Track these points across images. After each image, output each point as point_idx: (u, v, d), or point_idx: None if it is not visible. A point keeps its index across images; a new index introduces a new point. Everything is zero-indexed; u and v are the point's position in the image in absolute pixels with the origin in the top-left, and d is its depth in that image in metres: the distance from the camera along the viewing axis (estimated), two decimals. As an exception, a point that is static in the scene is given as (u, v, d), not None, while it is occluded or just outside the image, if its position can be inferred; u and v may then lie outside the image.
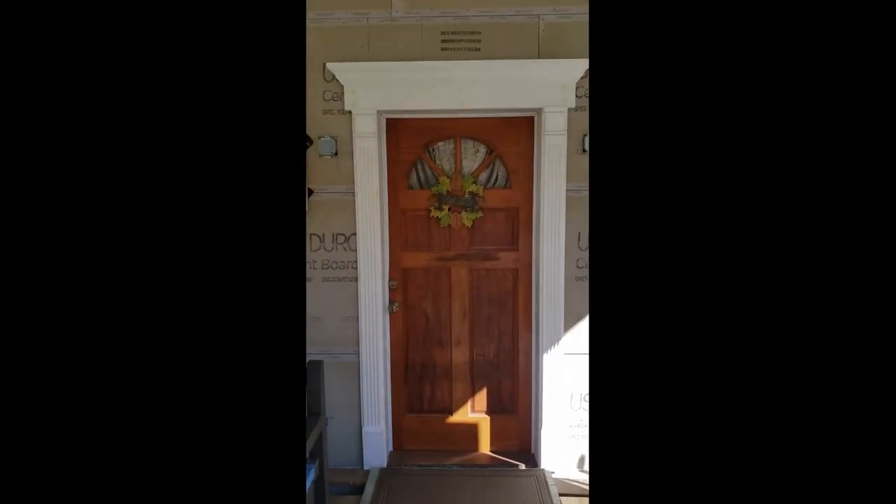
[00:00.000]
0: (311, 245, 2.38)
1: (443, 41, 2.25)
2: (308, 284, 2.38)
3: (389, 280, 2.47)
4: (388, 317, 2.48)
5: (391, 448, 2.56)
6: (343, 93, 2.26)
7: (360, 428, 2.43)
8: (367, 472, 2.40)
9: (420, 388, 2.57)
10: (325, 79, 2.27)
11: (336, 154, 2.30)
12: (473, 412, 2.57)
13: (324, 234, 2.37)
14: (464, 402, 2.56)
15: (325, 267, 2.39)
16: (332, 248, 2.38)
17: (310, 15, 2.22)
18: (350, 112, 2.28)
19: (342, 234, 2.36)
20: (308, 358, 2.24)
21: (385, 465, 2.44)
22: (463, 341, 2.53)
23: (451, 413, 2.57)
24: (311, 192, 2.33)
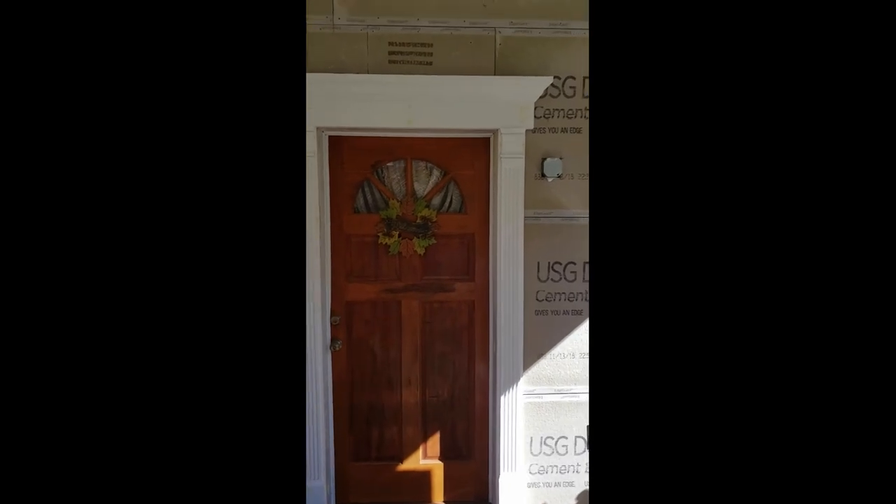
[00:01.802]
0: (242, 276, 2.10)
1: (390, 53, 2.04)
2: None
3: (331, 315, 2.22)
4: (329, 356, 2.22)
5: (334, 502, 2.28)
6: (278, 106, 2.01)
7: (297, 483, 2.15)
8: (305, 533, 2.12)
9: (367, 433, 2.31)
10: (258, 90, 2.02)
11: (270, 174, 2.05)
12: (426, 458, 2.33)
13: (256, 264, 2.10)
14: (415, 448, 2.32)
15: (257, 301, 2.11)
16: (266, 280, 2.11)
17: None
18: (286, 128, 2.03)
19: (277, 264, 2.10)
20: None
21: (325, 524, 2.17)
22: (414, 381, 2.29)
23: (401, 460, 2.32)
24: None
